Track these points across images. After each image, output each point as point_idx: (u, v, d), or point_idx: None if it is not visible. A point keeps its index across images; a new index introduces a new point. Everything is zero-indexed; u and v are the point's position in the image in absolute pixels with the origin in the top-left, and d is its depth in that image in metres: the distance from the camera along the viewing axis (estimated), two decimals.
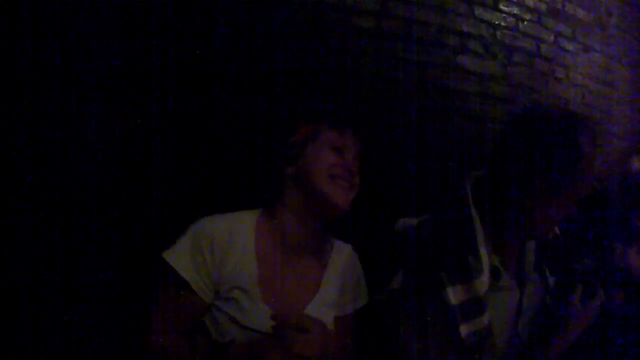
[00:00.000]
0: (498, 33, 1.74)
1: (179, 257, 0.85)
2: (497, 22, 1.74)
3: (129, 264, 1.05)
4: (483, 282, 0.83)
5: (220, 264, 0.86)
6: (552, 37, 1.92)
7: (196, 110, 1.16)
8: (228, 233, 0.89)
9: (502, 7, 1.76)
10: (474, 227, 0.85)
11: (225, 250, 0.87)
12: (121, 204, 1.06)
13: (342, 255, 1.03)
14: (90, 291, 1.01)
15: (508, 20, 1.78)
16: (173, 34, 1.14)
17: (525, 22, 1.83)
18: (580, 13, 2.07)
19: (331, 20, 1.41)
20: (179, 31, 1.15)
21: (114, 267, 1.04)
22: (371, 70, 1.45)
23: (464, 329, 0.81)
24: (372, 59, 1.46)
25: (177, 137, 1.13)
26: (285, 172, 0.95)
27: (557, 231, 1.00)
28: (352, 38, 1.44)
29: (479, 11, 1.69)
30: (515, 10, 1.80)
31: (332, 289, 0.97)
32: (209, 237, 0.87)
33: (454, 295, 0.81)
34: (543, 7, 1.90)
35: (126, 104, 1.08)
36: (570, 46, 2.00)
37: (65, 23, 1.00)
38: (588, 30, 2.10)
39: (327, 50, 1.39)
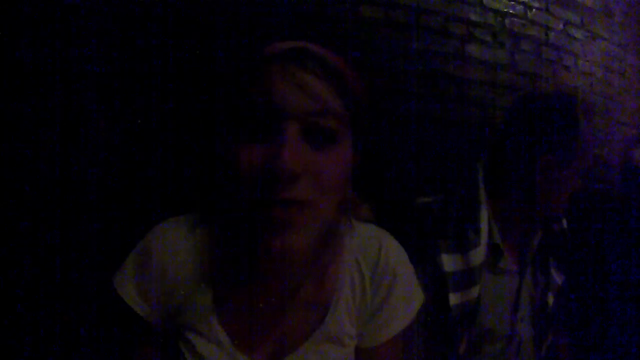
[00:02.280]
0: (506, 21, 1.74)
1: (122, 277, 0.64)
2: (505, 10, 1.74)
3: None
4: (479, 254, 0.87)
5: (165, 291, 0.62)
6: (560, 25, 1.92)
7: (196, 110, 1.16)
8: (170, 248, 0.62)
9: None
10: (479, 204, 0.90)
11: (167, 274, 0.61)
12: (121, 204, 1.05)
13: (369, 254, 0.66)
14: (90, 291, 1.01)
15: (516, 8, 1.77)
16: (173, 34, 1.13)
17: (534, 10, 1.83)
18: (589, 1, 2.05)
19: (340, 11, 1.41)
20: (179, 31, 1.15)
21: (114, 267, 1.03)
22: (379, 60, 1.46)
23: (452, 298, 0.84)
24: (381, 49, 1.46)
25: (177, 137, 1.12)
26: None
27: (565, 225, 1.02)
28: (361, 28, 1.44)
29: None
30: None
31: (349, 313, 0.64)
32: (147, 256, 0.63)
33: (447, 263, 0.85)
34: None
35: (126, 104, 1.07)
36: (578, 34, 1.99)
37: (65, 23, 1.00)
38: (596, 18, 2.09)
39: (336, 41, 1.40)
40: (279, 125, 0.49)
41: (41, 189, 0.98)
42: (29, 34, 0.97)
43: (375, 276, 0.65)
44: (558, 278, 1.01)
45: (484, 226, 0.88)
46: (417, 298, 0.69)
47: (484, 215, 0.89)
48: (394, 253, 0.68)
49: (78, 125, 1.03)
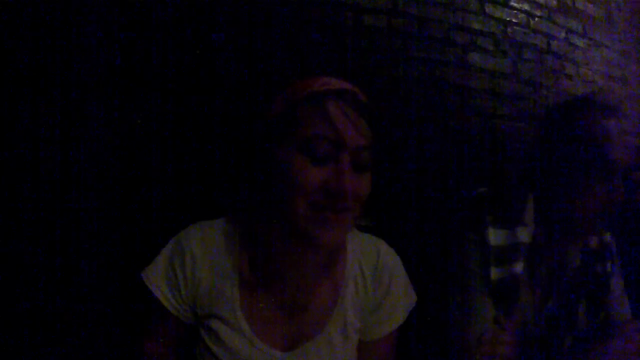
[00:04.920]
0: (509, 30, 1.74)
1: (153, 273, 0.73)
2: (507, 19, 1.74)
3: (129, 264, 1.03)
4: (526, 232, 0.88)
5: (194, 283, 0.72)
6: (562, 34, 1.92)
7: (196, 110, 1.16)
8: (203, 245, 0.73)
9: (512, 3, 1.76)
10: (525, 200, 0.91)
11: (198, 268, 0.72)
12: (121, 204, 1.06)
13: (369, 259, 0.78)
14: (90, 291, 1.01)
15: (519, 17, 1.78)
16: (173, 34, 1.14)
17: (536, 19, 1.83)
18: (591, 9, 2.06)
19: (343, 19, 1.42)
20: (179, 31, 1.15)
21: (114, 267, 1.04)
22: (383, 68, 1.46)
23: (494, 272, 0.86)
24: (384, 57, 1.47)
25: (177, 137, 1.12)
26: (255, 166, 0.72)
27: (608, 239, 1.01)
28: (364, 37, 1.45)
29: (489, 8, 1.69)
30: (526, 7, 1.80)
31: (354, 308, 0.75)
32: (181, 251, 0.72)
33: (493, 237, 0.87)
34: (554, 3, 1.90)
35: (126, 104, 1.07)
36: (580, 42, 1.99)
37: (65, 23, 1.00)
38: (598, 26, 2.09)
39: (339, 49, 1.40)
40: (339, 154, 0.62)
41: (41, 189, 0.98)
42: (29, 34, 0.97)
43: (375, 276, 0.77)
44: (583, 318, 0.98)
45: (530, 216, 0.90)
46: (411, 299, 0.81)
47: (530, 214, 0.90)
48: (391, 257, 0.80)
49: (80, 125, 1.03)
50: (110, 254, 1.03)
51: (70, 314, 0.99)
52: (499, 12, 1.72)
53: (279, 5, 1.29)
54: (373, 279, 0.77)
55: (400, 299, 0.79)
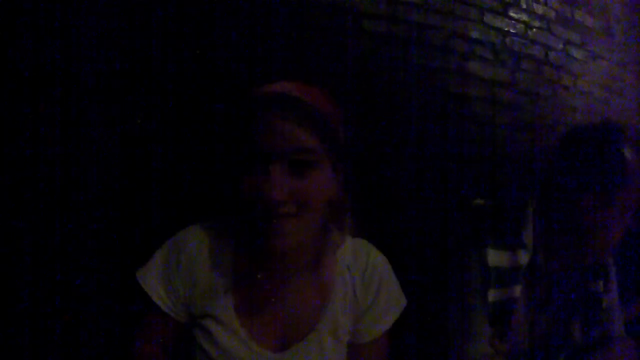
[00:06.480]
0: (507, 40, 1.76)
1: (148, 274, 0.74)
2: (506, 29, 1.75)
3: (129, 264, 1.03)
4: (525, 256, 0.87)
5: (189, 284, 0.73)
6: (560, 45, 1.93)
7: (196, 110, 1.16)
8: (199, 246, 0.74)
9: (511, 14, 1.77)
10: (526, 222, 0.90)
11: (194, 268, 0.73)
12: (121, 204, 1.06)
13: (359, 262, 0.79)
14: (90, 291, 1.01)
15: (517, 27, 1.79)
16: (173, 34, 1.14)
17: (534, 29, 1.84)
18: (589, 20, 2.08)
19: (342, 24, 1.42)
20: (179, 32, 1.15)
21: (114, 267, 1.03)
22: (381, 75, 1.47)
23: (492, 294, 0.85)
24: (383, 63, 1.47)
25: (177, 137, 1.12)
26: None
27: (600, 287, 0.99)
28: (363, 42, 1.45)
29: (488, 18, 1.70)
30: (525, 17, 1.81)
31: (343, 311, 0.76)
32: (178, 252, 0.74)
33: (492, 258, 0.86)
34: (552, 14, 1.91)
35: (126, 104, 1.07)
36: (578, 54, 2.01)
37: (65, 23, 1.00)
38: (596, 38, 2.11)
39: (337, 54, 1.41)
40: (266, 164, 0.64)
41: (41, 189, 0.98)
42: (29, 34, 0.97)
43: (364, 280, 0.78)
44: (578, 336, 0.99)
45: (529, 237, 0.89)
46: (401, 302, 0.82)
47: (529, 233, 0.90)
48: (379, 262, 0.81)
49: (80, 125, 1.03)
50: (110, 254, 1.03)
51: (69, 314, 0.99)
52: (497, 22, 1.73)
53: (280, 7, 1.30)
54: (362, 282, 0.78)
55: (390, 302, 0.80)
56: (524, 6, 1.81)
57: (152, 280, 0.74)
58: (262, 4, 1.27)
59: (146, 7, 1.11)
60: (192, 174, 1.13)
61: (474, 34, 1.67)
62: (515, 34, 1.78)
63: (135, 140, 1.09)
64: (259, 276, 0.74)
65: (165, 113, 1.12)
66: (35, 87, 0.97)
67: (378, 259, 0.81)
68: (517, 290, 0.87)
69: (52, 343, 0.96)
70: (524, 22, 1.81)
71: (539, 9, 1.86)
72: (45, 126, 0.98)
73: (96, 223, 1.03)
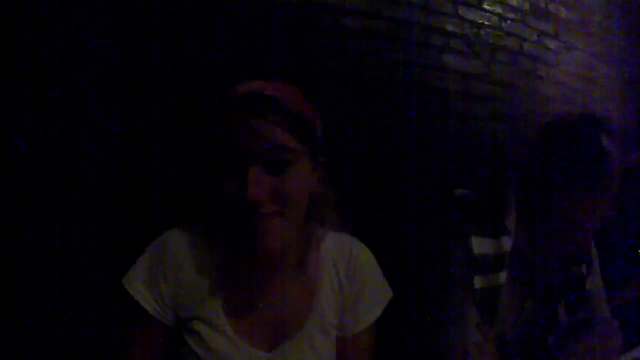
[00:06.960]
0: (482, 32, 1.78)
1: (134, 278, 0.74)
2: (480, 21, 1.77)
3: (128, 264, 1.04)
4: (510, 239, 0.89)
5: (175, 286, 0.73)
6: (535, 36, 1.96)
7: (196, 110, 1.16)
8: (183, 248, 0.74)
9: (485, 6, 1.79)
10: (508, 210, 0.92)
11: (179, 270, 0.73)
12: (121, 204, 1.06)
13: (343, 256, 0.80)
14: (90, 292, 1.01)
15: (492, 19, 1.81)
16: (173, 34, 1.13)
17: (509, 21, 1.87)
18: (563, 12, 2.11)
19: (319, 21, 1.42)
20: (180, 32, 1.15)
21: (114, 267, 1.02)
22: (356, 70, 1.48)
23: (478, 281, 0.87)
24: (358, 58, 1.48)
25: (177, 137, 1.12)
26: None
27: (584, 269, 1.02)
28: (339, 38, 1.46)
29: (462, 10, 1.72)
30: (499, 10, 1.83)
31: (330, 305, 0.77)
32: (162, 254, 0.74)
33: (477, 245, 0.88)
34: (526, 6, 1.94)
35: (126, 104, 1.07)
36: (552, 44, 2.04)
37: (65, 23, 0.99)
38: (571, 29, 2.15)
39: (314, 50, 1.41)
40: (243, 165, 0.64)
41: (41, 189, 0.98)
42: (29, 34, 0.96)
43: (349, 272, 0.80)
44: (564, 318, 1.01)
45: (511, 223, 0.91)
46: (387, 293, 0.83)
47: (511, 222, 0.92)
48: (364, 255, 0.83)
49: (80, 125, 1.03)
50: (110, 254, 1.03)
51: (69, 314, 0.99)
52: (472, 14, 1.75)
53: (254, 4, 1.30)
54: (347, 276, 0.79)
55: (376, 294, 0.81)
56: None
57: (138, 284, 0.73)
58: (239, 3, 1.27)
59: (146, 5, 1.10)
60: (178, 174, 1.13)
61: (449, 27, 1.68)
62: (489, 26, 1.80)
63: (125, 140, 1.08)
64: (244, 276, 0.74)
65: (151, 114, 1.12)
66: (35, 87, 0.96)
67: (362, 252, 0.83)
68: (503, 276, 0.89)
69: (52, 343, 0.96)
70: (498, 14, 1.83)
71: (513, 0, 1.89)
72: (45, 126, 0.97)
73: (96, 223, 1.03)
